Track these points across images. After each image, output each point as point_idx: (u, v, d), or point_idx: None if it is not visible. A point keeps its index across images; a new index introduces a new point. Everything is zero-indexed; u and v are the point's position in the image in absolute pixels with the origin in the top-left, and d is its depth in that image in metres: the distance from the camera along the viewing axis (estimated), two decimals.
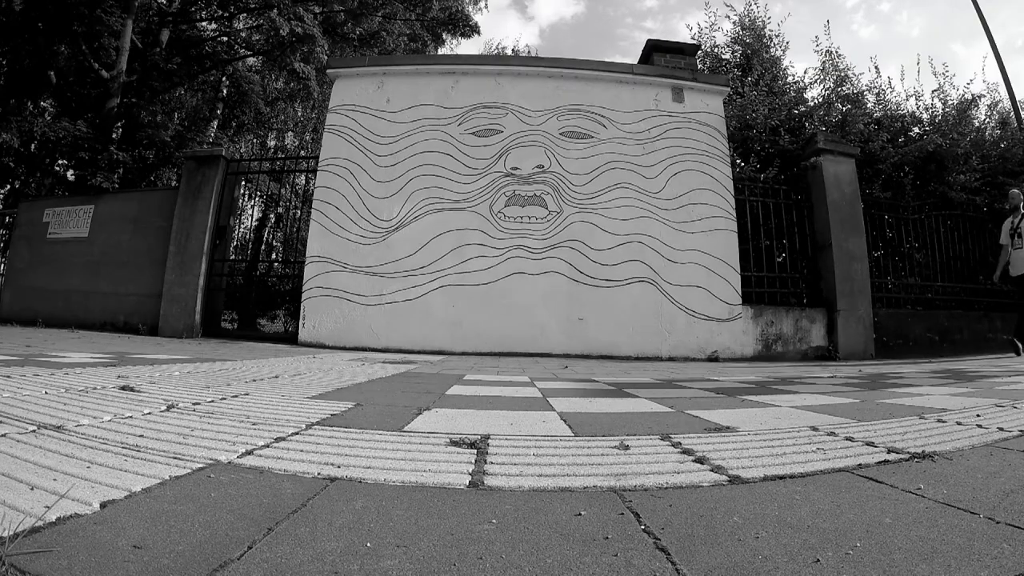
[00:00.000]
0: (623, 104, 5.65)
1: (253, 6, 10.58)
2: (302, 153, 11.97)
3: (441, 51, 14.59)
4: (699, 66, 7.04)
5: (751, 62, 7.73)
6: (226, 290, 6.37)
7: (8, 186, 11.22)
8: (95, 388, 1.55)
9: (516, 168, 5.45)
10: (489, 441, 1.09)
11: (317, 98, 11.88)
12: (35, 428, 1.00)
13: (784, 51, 7.98)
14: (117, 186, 7.40)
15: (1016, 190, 5.44)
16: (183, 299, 5.60)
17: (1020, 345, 4.89)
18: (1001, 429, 1.25)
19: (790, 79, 7.78)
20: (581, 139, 5.55)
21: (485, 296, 5.18)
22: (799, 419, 1.43)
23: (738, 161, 6.96)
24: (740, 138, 6.86)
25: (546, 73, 5.75)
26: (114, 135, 9.05)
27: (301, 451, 0.95)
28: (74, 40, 9.12)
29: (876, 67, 8.12)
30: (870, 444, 1.09)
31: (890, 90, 7.92)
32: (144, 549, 0.53)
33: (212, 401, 1.44)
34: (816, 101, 7.46)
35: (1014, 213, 5.37)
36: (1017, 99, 8.21)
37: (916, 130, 7.46)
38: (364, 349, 4.98)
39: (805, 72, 9.10)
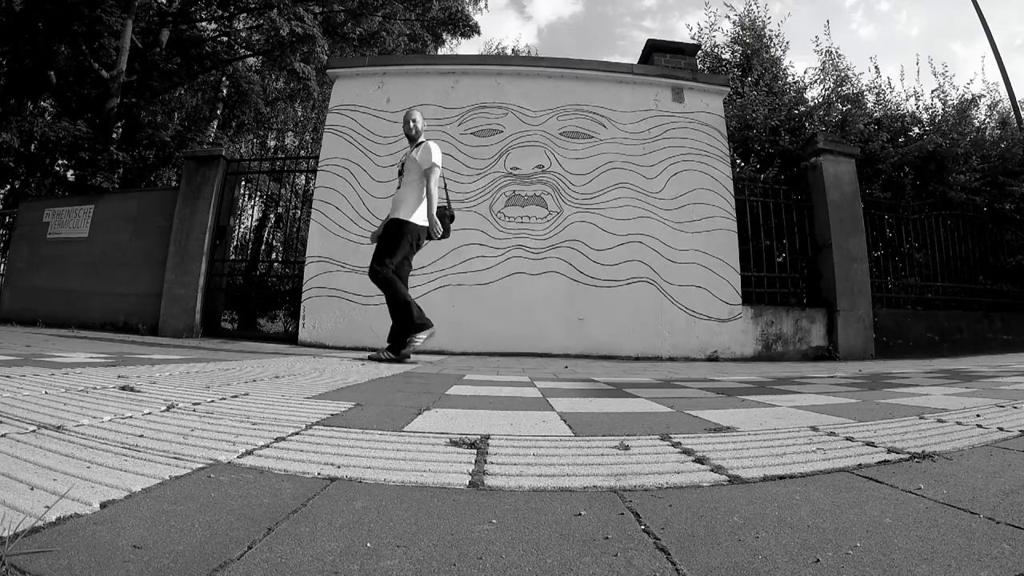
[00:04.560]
0: (623, 104, 5.65)
1: (253, 6, 10.58)
2: (302, 153, 11.96)
3: (441, 51, 14.59)
4: (699, 66, 7.05)
5: (751, 62, 7.73)
6: (226, 290, 6.37)
7: (8, 186, 11.23)
8: (95, 388, 1.55)
9: (516, 168, 5.45)
10: (489, 441, 1.09)
11: (317, 98, 11.88)
12: (35, 428, 1.00)
13: (784, 51, 7.99)
14: (117, 186, 7.41)
15: (411, 110, 3.80)
16: (183, 299, 5.60)
17: (399, 350, 3.49)
18: (1001, 429, 1.25)
19: (790, 79, 7.78)
20: (581, 139, 5.55)
21: (485, 296, 5.18)
22: (799, 419, 1.43)
23: (738, 161, 6.96)
24: (740, 138, 6.86)
25: (546, 73, 5.75)
26: (114, 135, 9.05)
27: (301, 451, 0.95)
28: (74, 40, 9.12)
29: (876, 67, 8.10)
30: (870, 444, 1.09)
31: (890, 90, 7.91)
32: (144, 549, 0.53)
33: (212, 401, 1.44)
34: (816, 101, 7.46)
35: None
36: (1017, 99, 8.22)
37: (916, 130, 7.46)
38: (364, 349, 4.97)
39: (805, 72, 9.10)
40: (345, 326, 5.15)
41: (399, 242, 3.50)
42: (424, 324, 3.48)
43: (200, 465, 0.83)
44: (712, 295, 5.29)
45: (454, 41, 14.60)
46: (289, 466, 0.85)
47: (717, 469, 0.90)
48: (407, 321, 3.45)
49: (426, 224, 3.53)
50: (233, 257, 6.31)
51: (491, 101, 5.62)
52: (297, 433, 1.10)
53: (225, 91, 12.46)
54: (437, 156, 3.53)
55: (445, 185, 3.92)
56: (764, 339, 5.39)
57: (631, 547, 0.57)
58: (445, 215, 3.74)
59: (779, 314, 5.48)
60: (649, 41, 6.37)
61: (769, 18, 8.05)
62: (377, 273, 3.48)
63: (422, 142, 3.62)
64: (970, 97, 7.49)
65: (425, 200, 3.49)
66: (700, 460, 0.96)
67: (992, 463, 0.94)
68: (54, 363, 2.23)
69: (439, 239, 3.67)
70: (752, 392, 2.13)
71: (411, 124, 3.69)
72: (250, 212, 11.37)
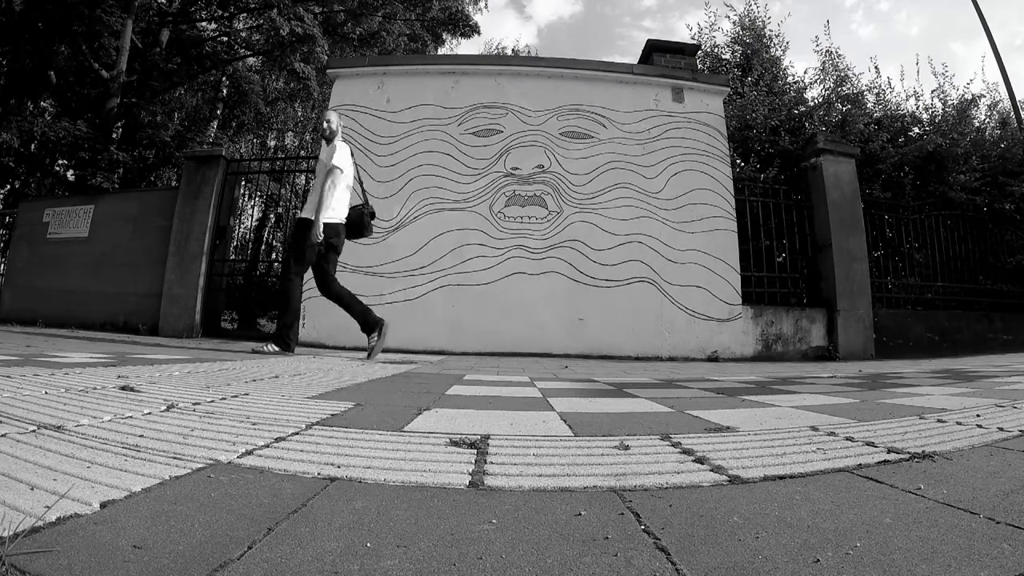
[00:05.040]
0: (623, 104, 5.65)
1: (253, 6, 10.58)
2: (302, 153, 11.97)
3: (441, 51, 14.60)
4: (699, 66, 7.04)
5: (751, 62, 7.73)
6: (226, 290, 6.36)
7: (8, 186, 11.23)
8: (95, 388, 1.55)
9: (516, 168, 5.45)
10: (489, 441, 1.09)
11: (317, 98, 11.89)
12: (35, 428, 1.00)
13: (784, 51, 7.98)
14: (117, 186, 7.41)
15: (328, 112, 3.91)
16: (183, 299, 5.60)
17: (276, 345, 3.61)
18: (1001, 429, 1.25)
19: (790, 79, 7.78)
20: (581, 139, 5.55)
21: (485, 296, 5.18)
22: (799, 419, 1.43)
23: (738, 161, 6.95)
24: (740, 138, 6.86)
25: (546, 73, 5.75)
26: (114, 135, 9.05)
27: (301, 451, 0.95)
28: (74, 40, 9.12)
29: (876, 67, 8.09)
30: (870, 444, 1.09)
31: (890, 90, 7.91)
32: (144, 549, 0.53)
33: (212, 401, 1.44)
34: (816, 101, 7.46)
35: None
36: (1017, 99, 8.22)
37: (916, 130, 7.46)
38: (364, 349, 4.97)
39: (805, 72, 9.12)
40: (345, 326, 5.11)
41: (304, 244, 3.54)
42: (287, 344, 3.65)
43: (200, 465, 0.83)
44: (712, 295, 5.29)
45: (454, 41, 14.62)
46: (289, 466, 0.85)
47: (717, 469, 0.90)
48: (285, 324, 3.62)
49: (335, 222, 3.58)
50: (233, 257, 6.31)
51: (491, 101, 5.62)
52: (297, 433, 1.10)
53: (225, 91, 12.47)
54: (339, 158, 3.54)
55: (363, 186, 4.01)
56: (764, 339, 5.39)
57: (631, 547, 0.57)
58: (364, 213, 3.79)
59: (779, 314, 5.47)
60: (649, 41, 6.37)
61: (769, 18, 8.05)
62: (284, 284, 3.63)
63: (334, 144, 3.66)
64: (970, 97, 7.49)
65: (326, 200, 3.49)
66: (700, 460, 0.96)
67: (992, 463, 0.94)
68: (54, 363, 2.23)
69: (355, 239, 3.82)
70: (752, 392, 2.13)
71: (325, 125, 3.74)
72: (250, 212, 11.39)
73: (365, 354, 3.78)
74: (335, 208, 3.57)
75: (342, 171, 3.57)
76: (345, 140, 3.77)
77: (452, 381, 2.34)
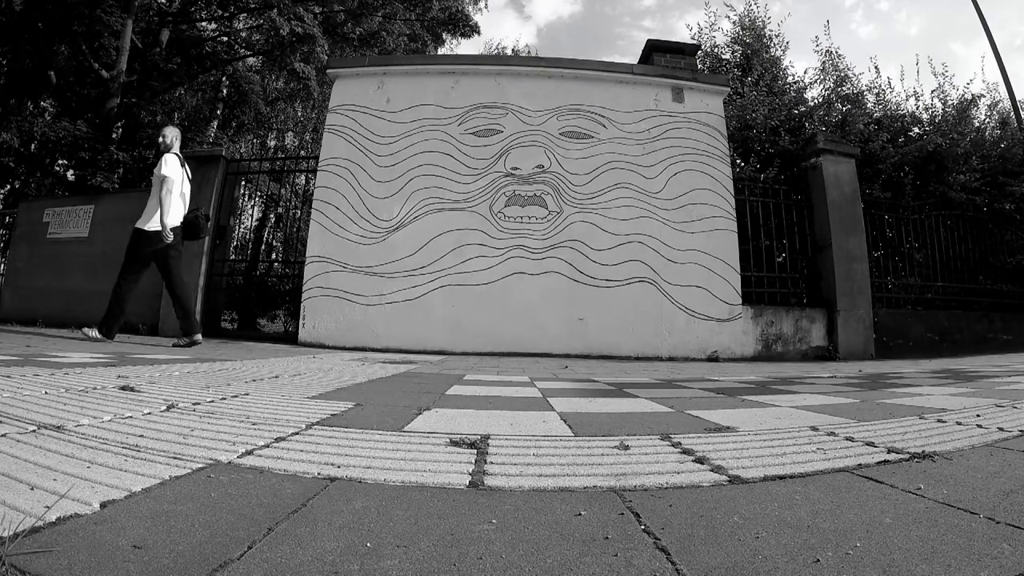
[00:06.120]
0: (623, 104, 5.65)
1: (253, 6, 10.58)
2: (302, 153, 11.98)
3: (441, 51, 14.59)
4: (699, 66, 7.04)
5: (751, 62, 7.73)
6: (226, 290, 6.37)
7: (8, 186, 11.23)
8: (95, 388, 1.55)
9: (516, 168, 5.45)
10: (489, 441, 1.09)
11: (317, 98, 11.89)
12: (35, 428, 1.00)
13: (784, 51, 7.98)
14: (117, 186, 7.42)
15: (165, 127, 4.27)
16: None
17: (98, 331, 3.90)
18: (1001, 429, 1.25)
19: (790, 79, 7.78)
20: (581, 139, 5.55)
21: (485, 296, 5.18)
22: (799, 419, 1.43)
23: (738, 161, 6.95)
24: (740, 138, 6.86)
25: (546, 73, 5.75)
26: (114, 135, 9.06)
27: (301, 451, 0.95)
28: (74, 40, 9.13)
29: (876, 67, 8.09)
30: (870, 444, 1.10)
31: (890, 90, 7.91)
32: (144, 549, 0.53)
33: (212, 401, 1.44)
34: (816, 101, 7.45)
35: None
36: (1017, 99, 8.22)
37: (916, 130, 7.46)
38: (364, 349, 4.97)
39: (805, 72, 9.11)
40: (345, 326, 5.15)
41: (135, 251, 4.03)
42: (109, 332, 4.02)
43: (200, 465, 0.83)
44: (712, 295, 5.29)
45: (454, 41, 14.61)
46: (289, 466, 0.85)
47: (717, 469, 0.90)
48: (110, 316, 4.01)
49: (171, 227, 4.00)
50: (233, 257, 6.31)
51: (491, 101, 5.62)
52: (297, 433, 1.10)
53: (225, 91, 12.47)
54: (166, 168, 4.00)
55: (192, 188, 4.43)
56: (764, 339, 5.39)
57: (631, 547, 0.57)
58: (199, 215, 4.27)
59: (779, 314, 5.47)
60: (649, 41, 6.36)
61: (769, 18, 8.05)
62: (116, 288, 4.05)
63: (164, 156, 4.09)
64: (970, 97, 7.49)
65: (164, 205, 3.96)
66: (700, 460, 0.96)
67: (992, 463, 0.94)
68: (54, 363, 2.23)
69: (192, 240, 4.32)
70: (752, 392, 2.13)
71: (160, 139, 4.22)
72: (250, 212, 11.38)
73: (365, 355, 3.83)
74: (169, 214, 4.00)
75: (172, 180, 4.01)
76: (175, 153, 4.19)
77: (452, 381, 2.34)
